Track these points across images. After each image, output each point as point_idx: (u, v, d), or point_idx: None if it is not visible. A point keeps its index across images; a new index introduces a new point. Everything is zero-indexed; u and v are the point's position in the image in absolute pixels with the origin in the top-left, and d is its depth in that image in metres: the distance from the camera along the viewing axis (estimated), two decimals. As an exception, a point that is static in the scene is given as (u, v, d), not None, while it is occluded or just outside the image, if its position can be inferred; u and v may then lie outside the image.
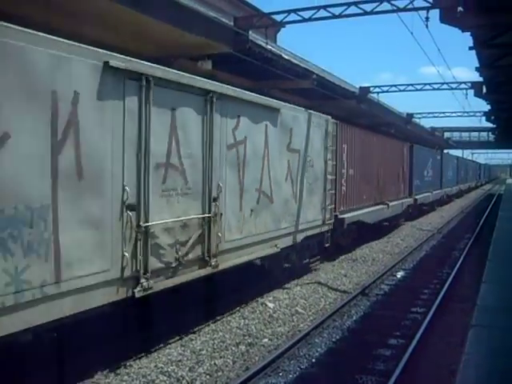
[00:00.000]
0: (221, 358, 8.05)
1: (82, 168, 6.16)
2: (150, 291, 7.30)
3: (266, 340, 8.96)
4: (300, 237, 12.31)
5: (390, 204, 20.95)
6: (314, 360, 8.18)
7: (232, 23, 13.48)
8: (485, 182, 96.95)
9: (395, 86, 25.76)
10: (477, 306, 7.26)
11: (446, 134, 58.63)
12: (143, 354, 7.92)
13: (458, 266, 15.07)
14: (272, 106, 10.87)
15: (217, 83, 8.99)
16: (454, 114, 38.33)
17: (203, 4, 12.36)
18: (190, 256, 8.26)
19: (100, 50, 6.53)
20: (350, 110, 25.14)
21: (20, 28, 5.47)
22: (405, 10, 12.72)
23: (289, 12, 13.72)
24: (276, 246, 11.12)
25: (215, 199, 8.79)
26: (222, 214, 8.99)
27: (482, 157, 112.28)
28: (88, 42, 6.54)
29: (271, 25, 14.90)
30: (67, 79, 5.97)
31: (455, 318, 10.05)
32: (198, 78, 8.55)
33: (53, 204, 5.80)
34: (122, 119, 6.78)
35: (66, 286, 5.97)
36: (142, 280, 7.15)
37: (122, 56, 6.83)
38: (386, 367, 7.91)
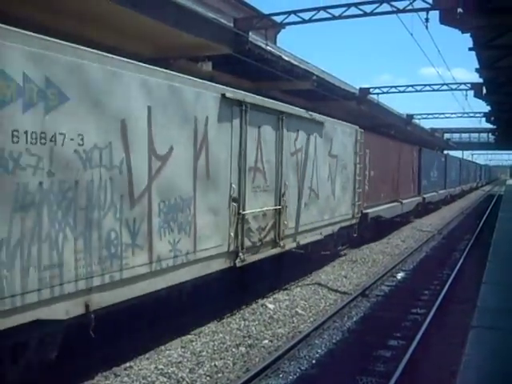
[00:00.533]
0: (221, 359, 8.05)
1: (209, 171, 8.61)
2: (244, 263, 9.72)
3: (266, 341, 8.96)
4: (337, 227, 14.77)
5: (403, 202, 23.35)
6: (314, 361, 8.17)
7: (232, 24, 13.51)
8: (485, 182, 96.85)
9: (395, 87, 25.89)
10: (477, 307, 7.24)
11: (446, 135, 58.67)
12: (143, 356, 7.92)
13: (458, 267, 15.07)
14: (319, 121, 13.24)
15: (286, 105, 11.68)
16: (453, 115, 38.36)
17: (202, 5, 12.37)
18: (267, 238, 10.76)
19: (219, 86, 9.08)
20: (350, 111, 25.16)
21: (179, 74, 8.10)
22: (404, 11, 12.75)
23: (289, 13, 13.75)
24: (321, 233, 13.52)
25: (283, 195, 11.21)
26: (286, 207, 11.33)
27: (482, 158, 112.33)
28: (86, 43, 6.55)
29: (271, 26, 14.95)
30: (203, 108, 8.40)
31: (455, 319, 10.04)
32: (275, 102, 11.30)
33: (194, 196, 8.25)
34: (230, 135, 9.23)
35: (199, 254, 8.39)
36: (240, 254, 9.58)
37: (230, 89, 9.29)
38: (387, 368, 7.90)
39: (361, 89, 24.97)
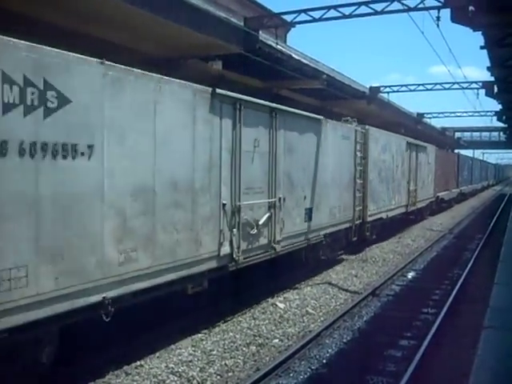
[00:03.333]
0: (231, 358, 8.05)
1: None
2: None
3: (276, 340, 8.96)
4: (427, 202, 26.45)
5: (452, 191, 36.43)
6: (324, 361, 8.16)
7: (242, 23, 13.48)
8: (496, 182, 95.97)
9: (405, 85, 25.68)
10: (489, 307, 7.20)
11: (457, 134, 58.29)
12: (153, 354, 7.95)
13: (468, 267, 14.98)
14: (423, 146, 23.24)
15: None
16: (464, 114, 38.23)
17: (212, 4, 12.35)
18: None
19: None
20: (360, 110, 25.07)
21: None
22: (415, 9, 12.65)
23: (299, 12, 13.69)
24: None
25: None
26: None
27: (493, 157, 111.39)
28: (99, 43, 6.57)
29: (281, 25, 14.88)
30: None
31: (467, 319, 9.97)
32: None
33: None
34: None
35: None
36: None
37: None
38: (397, 368, 7.87)
39: (371, 87, 24.85)
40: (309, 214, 12.36)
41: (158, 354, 7.99)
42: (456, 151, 50.38)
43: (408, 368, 7.53)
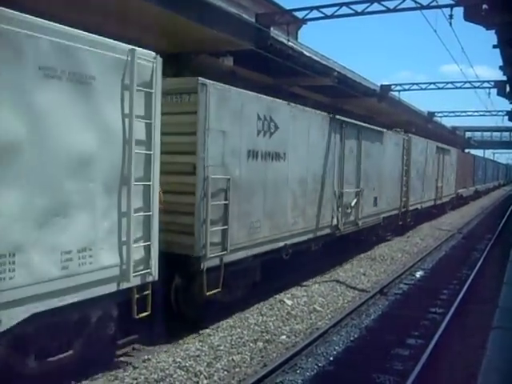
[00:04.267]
0: (238, 353, 8.07)
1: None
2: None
3: (283, 337, 8.97)
4: (450, 197, 29.57)
5: (469, 188, 40.53)
6: (331, 358, 8.16)
7: (253, 19, 13.48)
8: (506, 181, 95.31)
9: (417, 84, 25.57)
10: (498, 307, 7.17)
11: (468, 134, 57.97)
12: (161, 348, 7.99)
13: (477, 266, 14.91)
14: (447, 149, 26.75)
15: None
16: (475, 113, 38.05)
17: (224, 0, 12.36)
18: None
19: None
20: (371, 108, 24.99)
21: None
22: (428, 7, 12.62)
23: (311, 9, 13.69)
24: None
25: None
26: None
27: (504, 157, 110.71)
28: (109, 36, 6.58)
29: (292, 22, 14.88)
30: None
31: (475, 319, 9.94)
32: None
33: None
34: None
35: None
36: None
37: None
38: (404, 367, 7.86)
39: (382, 85, 24.77)
40: (375, 201, 16.58)
41: (165, 349, 8.03)
42: (466, 151, 50.15)
43: (415, 367, 7.52)
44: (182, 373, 7.25)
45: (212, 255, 8.61)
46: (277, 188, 10.52)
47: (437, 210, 27.73)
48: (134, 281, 6.83)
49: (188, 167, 8.42)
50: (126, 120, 6.65)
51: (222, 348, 8.20)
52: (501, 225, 25.35)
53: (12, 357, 5.88)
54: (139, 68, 6.75)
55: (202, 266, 8.46)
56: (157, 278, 7.22)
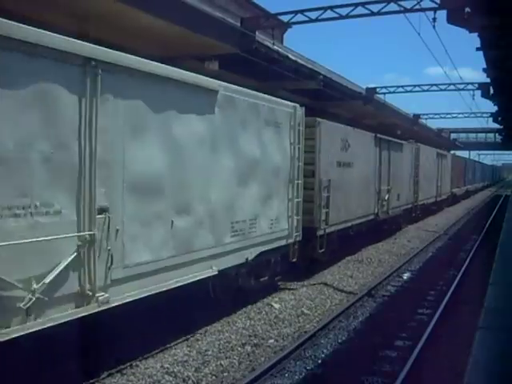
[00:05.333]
0: (227, 358, 8.05)
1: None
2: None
3: (271, 341, 8.96)
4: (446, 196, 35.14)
5: (462, 188, 46.65)
6: (319, 361, 8.18)
7: (239, 24, 13.48)
8: (492, 182, 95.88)
9: (402, 86, 25.81)
10: (484, 307, 7.22)
11: (453, 135, 58.37)
12: (149, 354, 7.94)
13: (464, 267, 15.02)
14: (444, 154, 32.76)
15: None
16: (460, 115, 38.32)
17: (208, 3, 12.36)
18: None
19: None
20: (357, 111, 25.10)
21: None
22: (412, 10, 12.68)
23: (295, 13, 13.71)
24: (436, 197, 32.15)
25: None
26: None
27: (489, 158, 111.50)
28: (94, 42, 6.57)
29: (278, 25, 14.90)
30: None
31: (462, 319, 10.00)
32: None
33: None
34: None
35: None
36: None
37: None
38: (392, 369, 7.89)
39: (367, 88, 24.90)
40: (398, 196, 21.35)
41: (153, 354, 7.98)
42: (452, 152, 50.53)
43: (403, 368, 7.56)
44: (170, 378, 7.22)
45: (321, 227, 13.39)
46: (349, 186, 15.38)
47: (436, 207, 32.72)
48: (293, 238, 11.68)
49: (309, 173, 12.87)
50: (291, 146, 11.52)
51: (209, 353, 8.17)
52: (486, 226, 25.56)
53: (244, 278, 10.16)
54: (296, 115, 11.71)
55: (316, 233, 13.23)
56: (301, 238, 11.96)
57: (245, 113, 9.69)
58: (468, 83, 24.59)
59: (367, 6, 12.98)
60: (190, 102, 8.04)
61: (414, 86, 25.84)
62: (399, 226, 23.36)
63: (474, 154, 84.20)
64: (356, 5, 13.03)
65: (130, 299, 6.85)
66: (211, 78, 9.14)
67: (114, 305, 6.54)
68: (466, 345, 6.15)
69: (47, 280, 5.63)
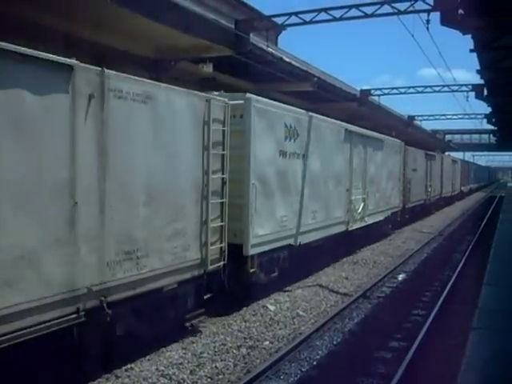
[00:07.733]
0: (222, 360, 8.05)
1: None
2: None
3: (267, 343, 8.96)
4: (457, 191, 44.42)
5: (467, 186, 56.38)
6: (315, 363, 8.18)
7: (233, 26, 13.49)
8: (488, 183, 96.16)
9: (396, 88, 25.80)
10: (478, 308, 7.24)
11: (448, 137, 58.52)
12: (144, 357, 7.92)
13: (459, 268, 15.05)
14: (455, 160, 44.76)
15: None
16: (455, 117, 38.26)
17: (202, 6, 12.34)
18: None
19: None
20: (351, 112, 25.14)
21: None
22: (405, 12, 12.71)
23: (290, 15, 13.72)
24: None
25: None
26: None
27: (483, 159, 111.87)
28: (87, 44, 6.56)
29: (272, 27, 14.91)
30: None
31: (456, 320, 10.01)
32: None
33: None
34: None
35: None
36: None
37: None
38: (388, 370, 7.90)
39: (362, 90, 24.95)
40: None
41: (148, 357, 7.96)
42: (447, 153, 50.70)
43: (398, 369, 7.56)
44: (166, 381, 7.21)
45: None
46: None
47: (450, 200, 42.42)
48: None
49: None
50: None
51: (205, 355, 8.16)
52: (481, 227, 25.64)
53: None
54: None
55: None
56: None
57: None
58: (462, 85, 24.65)
59: (361, 8, 13.00)
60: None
61: (409, 87, 25.94)
62: (385, 233, 21.69)
63: (468, 155, 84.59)
64: (350, 7, 13.05)
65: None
66: (205, 79, 9.10)
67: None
68: (460, 346, 6.18)
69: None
